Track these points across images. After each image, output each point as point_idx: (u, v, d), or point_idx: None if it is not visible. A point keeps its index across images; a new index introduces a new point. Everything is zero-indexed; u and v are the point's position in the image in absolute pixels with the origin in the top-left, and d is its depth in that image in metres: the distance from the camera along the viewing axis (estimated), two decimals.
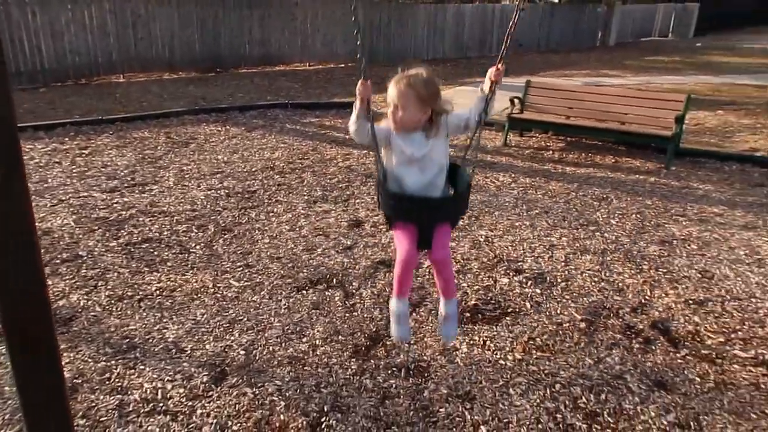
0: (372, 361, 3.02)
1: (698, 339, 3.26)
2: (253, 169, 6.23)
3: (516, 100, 7.65)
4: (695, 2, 28.61)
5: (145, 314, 3.39)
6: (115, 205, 5.09)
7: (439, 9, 18.79)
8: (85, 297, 3.56)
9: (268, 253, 4.23)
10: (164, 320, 3.33)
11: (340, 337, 3.21)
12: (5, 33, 10.53)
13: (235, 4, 14.09)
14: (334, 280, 3.84)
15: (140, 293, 3.63)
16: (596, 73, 15.15)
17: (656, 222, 4.99)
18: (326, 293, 3.67)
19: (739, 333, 3.33)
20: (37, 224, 4.46)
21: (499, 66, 2.48)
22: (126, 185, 5.60)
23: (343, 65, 15.68)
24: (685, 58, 19.08)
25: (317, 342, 3.15)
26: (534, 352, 3.12)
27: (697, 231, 4.81)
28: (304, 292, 3.69)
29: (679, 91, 10.64)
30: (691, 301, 3.67)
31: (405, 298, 2.57)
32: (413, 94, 2.35)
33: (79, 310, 3.42)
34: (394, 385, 2.83)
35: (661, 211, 5.25)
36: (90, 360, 2.95)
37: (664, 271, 4.08)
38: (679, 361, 3.07)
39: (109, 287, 3.69)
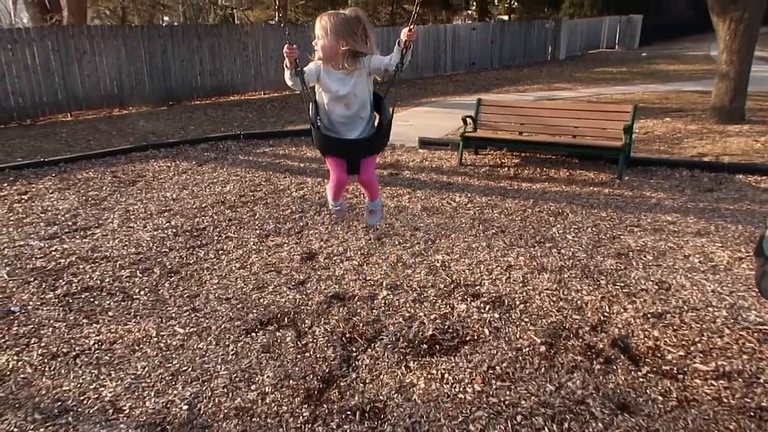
0: (325, 405, 2.85)
1: (658, 354, 3.20)
2: (203, 205, 6.03)
3: (469, 119, 7.65)
4: (638, 14, 29.58)
5: (80, 372, 3.16)
6: (53, 253, 4.83)
7: (392, 31, 18.94)
8: (15, 357, 3.30)
9: (217, 295, 4.04)
10: (101, 377, 3.11)
11: (291, 381, 3.04)
12: None
13: (183, 36, 13.93)
14: (286, 319, 3.68)
15: (77, 349, 3.40)
16: (548, 87, 15.41)
17: (612, 234, 4.98)
18: (277, 334, 3.50)
19: (699, 345, 3.29)
20: None
21: (412, 27, 2.81)
22: (66, 231, 5.33)
23: (298, 92, 15.59)
24: (632, 68, 19.62)
25: (267, 389, 2.98)
26: (494, 381, 3.00)
27: (652, 241, 4.80)
28: (254, 334, 3.51)
29: (629, 101, 10.87)
30: (649, 315, 3.62)
31: (339, 200, 3.41)
32: (329, 27, 2.77)
33: (8, 373, 3.16)
34: (348, 431, 2.68)
35: (616, 223, 5.25)
36: (16, 430, 2.71)
37: (622, 285, 4.03)
38: (641, 379, 2.99)
39: (42, 344, 3.44)
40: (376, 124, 3.07)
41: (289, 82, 2.88)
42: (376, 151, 3.17)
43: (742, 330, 3.43)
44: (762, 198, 5.84)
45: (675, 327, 3.49)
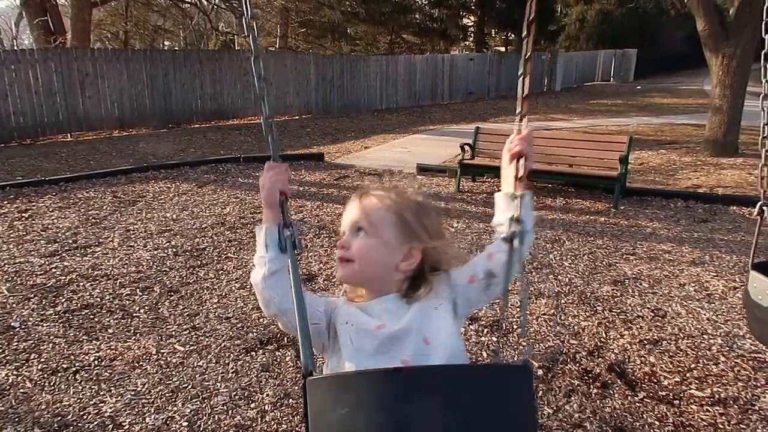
0: None
1: (655, 380, 3.24)
2: (203, 226, 6.07)
3: (467, 147, 7.77)
4: (633, 48, 30.19)
5: (80, 387, 3.17)
6: (53, 270, 4.84)
7: (391, 60, 19.28)
8: (15, 372, 3.31)
9: (217, 314, 4.06)
10: (102, 393, 3.12)
11: (290, 400, 3.05)
12: None
13: (185, 60, 14.14)
14: (285, 339, 3.70)
15: (76, 365, 3.40)
16: (544, 117, 15.64)
17: (608, 262, 5.04)
18: (277, 353, 3.52)
19: (694, 372, 3.32)
20: None
21: (522, 128, 1.41)
22: (67, 248, 5.35)
23: (297, 117, 15.79)
24: (627, 100, 19.96)
25: (266, 407, 2.99)
26: None
27: (648, 269, 4.87)
28: (254, 353, 3.52)
29: (623, 133, 11.03)
30: (645, 341, 3.66)
31: None
32: (391, 213, 1.33)
33: (8, 387, 3.16)
34: None
35: (612, 251, 5.31)
36: None
37: (618, 311, 4.08)
38: (638, 404, 3.02)
39: (42, 360, 3.45)
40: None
41: (261, 274, 1.31)
42: None
43: (737, 358, 3.47)
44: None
45: (671, 353, 3.52)
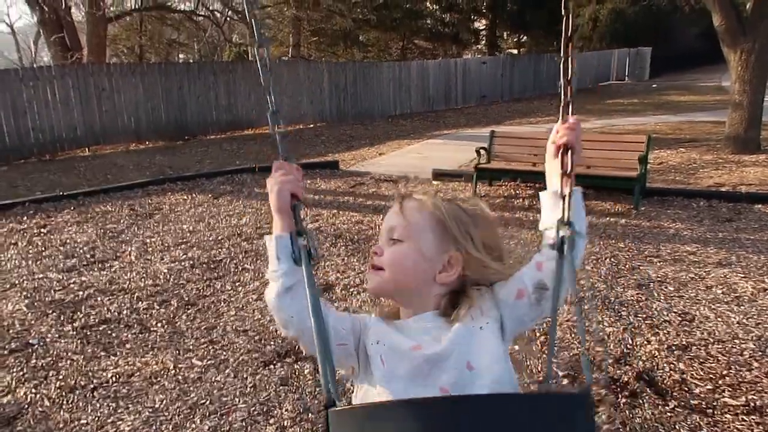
0: None
1: (686, 388, 3.12)
2: (220, 238, 6.06)
3: (482, 151, 7.68)
4: (647, 46, 29.85)
5: (98, 405, 3.14)
6: (71, 285, 4.85)
7: (404, 66, 19.26)
8: (33, 391, 3.29)
9: (234, 327, 4.02)
10: (119, 410, 3.08)
11: (310, 414, 2.99)
12: None
13: (199, 73, 14.24)
14: (304, 351, 3.64)
15: (94, 381, 3.38)
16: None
17: (631, 265, 4.92)
18: (295, 366, 3.47)
19: (727, 378, 3.20)
20: None
21: (568, 118, 1.27)
22: (84, 263, 5.37)
23: (311, 125, 15.82)
24: (644, 99, 19.70)
25: (285, 423, 2.93)
26: None
27: (673, 272, 4.74)
28: (272, 366, 3.47)
29: (641, 132, 10.85)
30: (674, 347, 3.54)
31: None
32: (432, 216, 1.22)
33: (26, 406, 3.15)
34: None
35: (635, 253, 5.19)
36: None
37: (644, 316, 3.97)
38: (669, 414, 2.91)
39: (60, 377, 3.43)
40: None
41: (275, 291, 1.16)
42: None
43: None
44: None
45: (701, 360, 3.40)
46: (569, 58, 1.25)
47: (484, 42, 26.99)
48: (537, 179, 7.70)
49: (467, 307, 1.17)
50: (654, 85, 25.39)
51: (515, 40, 28.70)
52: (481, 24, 26.55)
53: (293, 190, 1.19)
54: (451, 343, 1.12)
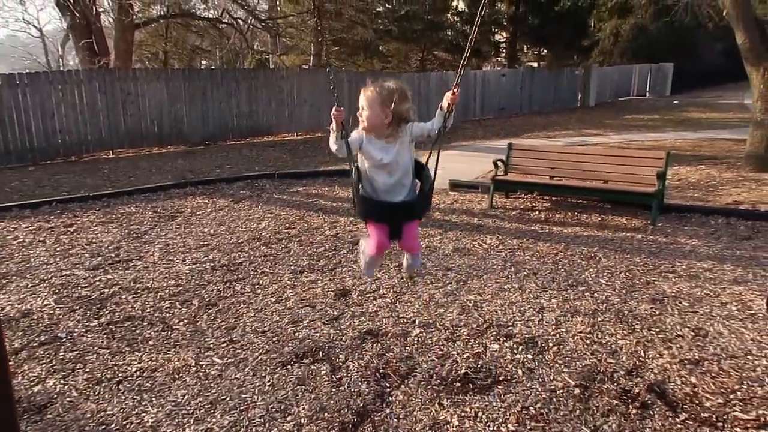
0: None
1: (696, 401, 3.16)
2: (240, 241, 6.19)
3: (500, 163, 7.75)
4: (669, 62, 29.70)
5: (123, 398, 3.26)
6: (97, 282, 5.00)
7: (423, 76, 19.38)
8: (62, 381, 3.42)
9: (253, 327, 4.13)
10: (143, 403, 3.20)
11: (326, 414, 3.08)
12: None
13: (222, 79, 14.48)
14: (320, 353, 3.74)
15: (119, 375, 3.50)
16: (578, 132, 15.49)
17: (646, 279, 4.95)
18: (312, 367, 3.56)
19: (738, 393, 3.24)
20: (16, 306, 4.37)
21: (455, 91, 2.95)
22: (110, 262, 5.53)
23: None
24: (664, 115, 19.60)
25: (302, 420, 3.03)
26: (528, 422, 3.00)
27: (688, 287, 4.76)
28: (290, 367, 3.57)
29: (660, 148, 10.86)
30: (686, 361, 3.58)
31: (373, 270, 3.58)
32: (374, 97, 2.88)
33: (55, 396, 3.28)
34: None
35: (650, 268, 5.22)
36: None
37: (657, 330, 4.00)
38: (679, 426, 2.95)
39: (87, 370, 3.56)
40: (417, 190, 3.09)
41: (334, 147, 2.96)
42: (418, 216, 3.18)
43: None
44: None
45: (713, 374, 3.44)
46: (461, 66, 3.11)
47: (504, 54, 27.05)
48: (554, 192, 7.76)
49: (399, 134, 2.93)
50: (675, 102, 25.24)
51: (535, 53, 28.69)
52: (501, 36, 26.61)
53: (341, 118, 2.92)
54: (393, 155, 2.93)
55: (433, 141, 2.99)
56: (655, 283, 4.88)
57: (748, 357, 3.63)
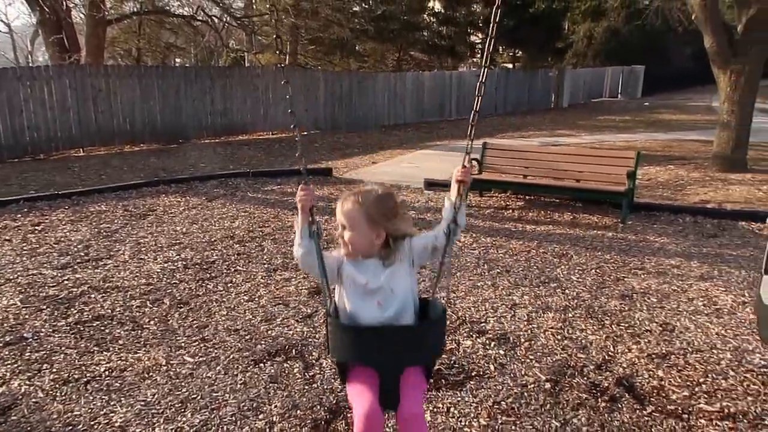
0: None
1: (663, 394, 3.23)
2: (213, 239, 6.13)
3: (474, 162, 7.81)
4: (641, 65, 30.24)
5: (91, 398, 3.20)
6: (66, 282, 4.90)
7: (399, 77, 19.43)
8: (28, 382, 3.35)
9: (225, 326, 4.09)
10: (112, 403, 3.15)
11: (298, 411, 3.07)
12: None
13: (196, 77, 14.33)
14: (293, 350, 3.72)
15: (87, 375, 3.44)
16: (552, 133, 15.69)
17: (616, 276, 5.04)
18: (285, 365, 3.54)
19: (703, 386, 3.31)
20: None
21: (466, 164, 2.23)
22: (79, 261, 5.42)
23: (305, 132, 15.90)
24: (635, 117, 19.97)
25: (274, 418, 3.01)
26: (499, 417, 3.02)
27: (656, 284, 4.86)
28: (262, 365, 3.55)
29: (631, 148, 11.05)
30: (654, 355, 3.65)
31: None
32: (361, 213, 2.07)
33: (20, 396, 3.20)
34: None
35: (620, 265, 5.31)
36: None
37: (626, 325, 4.08)
38: (646, 418, 3.01)
39: (54, 370, 3.49)
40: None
41: (299, 252, 2.15)
42: (426, 356, 2.18)
43: (746, 372, 3.46)
44: (764, 244, 5.89)
45: (680, 368, 3.51)
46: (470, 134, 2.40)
47: (479, 55, 27.25)
48: (527, 191, 7.84)
49: (392, 255, 2.14)
50: (646, 103, 25.72)
51: (510, 54, 28.97)
52: (477, 37, 26.82)
53: (311, 203, 2.19)
54: (385, 279, 2.11)
55: (440, 252, 2.18)
56: (625, 279, 4.96)
57: (713, 351, 3.72)
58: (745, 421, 2.98)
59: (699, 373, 3.45)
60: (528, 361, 3.59)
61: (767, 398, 3.18)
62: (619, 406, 3.12)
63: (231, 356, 3.66)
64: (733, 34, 9.50)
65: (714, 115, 15.18)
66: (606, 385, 3.32)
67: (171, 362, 3.59)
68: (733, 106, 9.40)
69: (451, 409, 3.09)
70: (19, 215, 7.01)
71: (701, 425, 2.95)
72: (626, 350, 3.72)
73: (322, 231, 2.21)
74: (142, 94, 13.20)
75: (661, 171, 9.75)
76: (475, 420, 3.00)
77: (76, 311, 4.33)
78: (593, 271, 5.17)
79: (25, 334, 3.94)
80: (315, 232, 2.14)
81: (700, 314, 4.27)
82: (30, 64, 24.55)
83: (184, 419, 3.01)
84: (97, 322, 4.15)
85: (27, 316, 4.23)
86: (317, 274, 2.14)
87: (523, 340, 3.86)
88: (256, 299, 4.57)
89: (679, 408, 3.10)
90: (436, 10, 25.89)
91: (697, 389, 3.28)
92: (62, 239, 6.10)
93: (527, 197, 7.92)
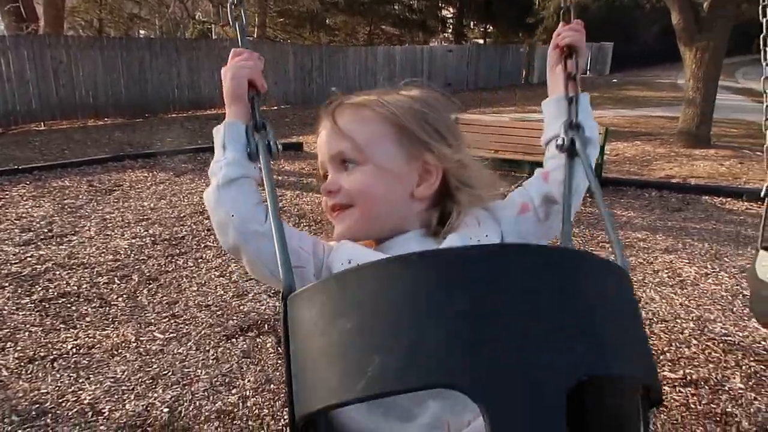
0: None
1: None
2: (182, 215, 6.02)
3: None
4: (609, 41, 30.50)
5: (58, 375, 3.14)
6: (29, 258, 4.77)
7: (370, 50, 19.23)
8: None
9: (196, 302, 4.05)
10: (80, 380, 3.09)
11: (271, 385, 3.06)
12: None
13: (162, 49, 13.94)
14: (266, 325, 3.70)
15: (54, 353, 3.37)
16: (523, 109, 15.75)
17: (584, 249, 5.12)
18: (257, 340, 3.53)
19: (667, 354, 3.41)
20: None
21: (572, 22, 1.18)
22: (42, 237, 5.27)
23: (275, 108, 15.67)
24: (603, 93, 20.18)
25: (248, 393, 3.00)
26: None
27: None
28: (234, 340, 3.53)
29: (599, 124, 11.17)
30: None
31: None
32: (386, 123, 0.99)
33: None
34: None
35: (588, 239, 5.41)
36: None
37: None
38: None
39: (18, 348, 3.41)
40: None
41: (213, 186, 0.97)
42: None
43: (708, 341, 3.57)
44: (727, 218, 6.07)
45: None
46: None
47: (450, 31, 27.13)
48: (498, 167, 7.88)
49: (457, 212, 0.98)
50: (614, 80, 26.02)
51: (482, 30, 28.91)
52: (448, 12, 26.67)
53: (252, 77, 1.00)
54: None
55: (563, 206, 1.06)
56: (592, 252, 5.05)
57: (677, 320, 3.83)
58: (706, 387, 3.09)
59: (663, 342, 3.56)
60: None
61: (727, 365, 3.30)
62: None
63: (202, 332, 3.62)
64: (699, 11, 9.62)
65: (679, 92, 15.45)
66: None
67: (141, 339, 3.54)
68: (698, 83, 9.57)
69: None
70: None
71: (665, 392, 3.04)
72: None
73: (279, 146, 0.99)
74: (105, 66, 12.78)
75: (628, 147, 9.91)
76: None
77: (40, 288, 4.22)
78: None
79: None
80: (262, 141, 0.97)
81: (665, 286, 4.38)
82: None
83: (156, 395, 2.97)
84: (63, 300, 4.06)
85: None
86: (255, 245, 0.93)
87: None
88: (227, 275, 4.52)
89: None
90: None
91: (661, 357, 3.38)
92: (24, 215, 5.92)
93: (498, 172, 7.93)
